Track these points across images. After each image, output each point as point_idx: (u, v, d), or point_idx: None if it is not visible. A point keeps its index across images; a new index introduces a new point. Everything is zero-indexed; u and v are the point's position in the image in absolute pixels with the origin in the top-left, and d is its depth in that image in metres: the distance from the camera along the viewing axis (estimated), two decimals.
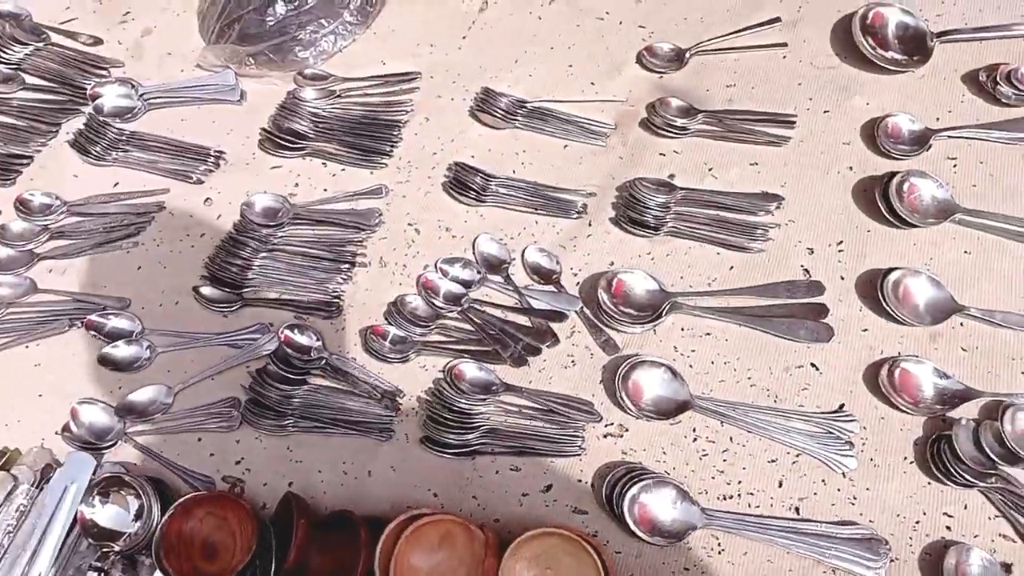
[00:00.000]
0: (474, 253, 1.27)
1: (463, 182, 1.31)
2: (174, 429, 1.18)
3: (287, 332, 1.22)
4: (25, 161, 1.47)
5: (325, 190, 1.37)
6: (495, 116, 1.37)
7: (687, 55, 1.39)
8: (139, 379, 1.23)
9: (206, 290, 1.28)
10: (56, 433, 1.20)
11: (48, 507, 1.09)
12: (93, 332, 1.26)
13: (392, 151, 1.38)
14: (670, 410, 1.10)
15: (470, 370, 1.15)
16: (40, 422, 1.21)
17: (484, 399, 1.13)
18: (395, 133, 1.40)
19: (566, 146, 1.36)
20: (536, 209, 1.29)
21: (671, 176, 1.29)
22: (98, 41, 1.61)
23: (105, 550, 1.08)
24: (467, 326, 1.21)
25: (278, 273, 1.29)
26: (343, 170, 1.39)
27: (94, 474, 1.11)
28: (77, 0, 1.66)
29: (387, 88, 1.45)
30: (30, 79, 1.57)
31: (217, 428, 1.18)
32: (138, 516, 1.08)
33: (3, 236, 1.37)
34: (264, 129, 1.42)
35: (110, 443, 1.17)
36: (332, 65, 1.49)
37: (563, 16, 1.47)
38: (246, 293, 1.28)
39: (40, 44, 1.60)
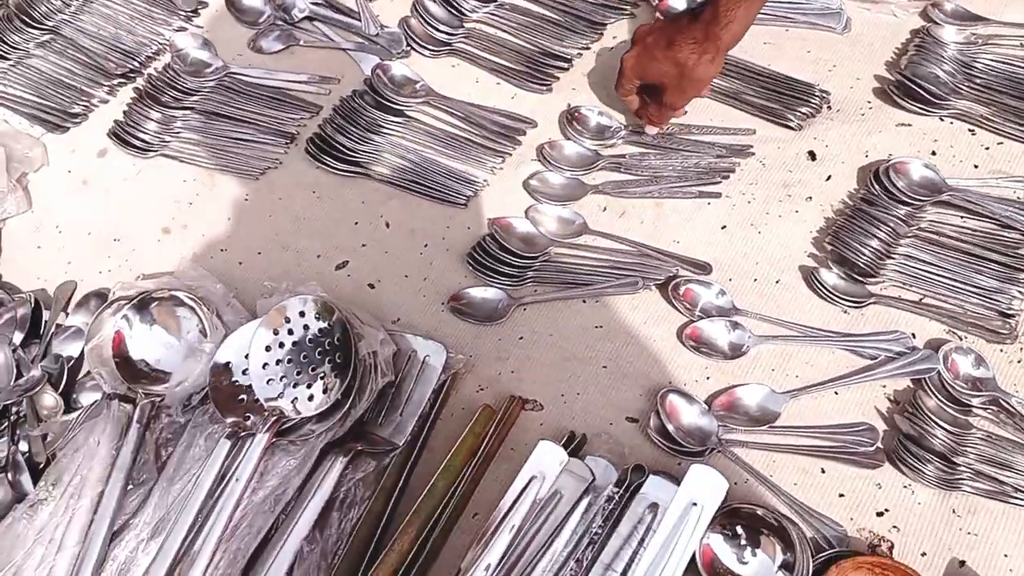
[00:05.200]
0: None
1: None
2: (786, 448, 0.94)
3: (955, 356, 0.94)
4: (565, 65, 1.25)
5: (975, 166, 1.08)
6: None
7: None
8: (737, 373, 1.00)
9: (827, 275, 1.02)
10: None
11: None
12: (687, 302, 1.03)
13: None
14: None
15: None
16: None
17: None
18: None
19: None
20: None
21: None
22: None
23: None
24: None
25: (924, 268, 1.01)
26: (1000, 143, 1.09)
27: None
28: None
29: None
30: None
31: (849, 461, 0.92)
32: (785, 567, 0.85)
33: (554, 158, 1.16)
34: (900, 72, 1.13)
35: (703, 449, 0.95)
36: (977, 3, 1.17)
37: None
38: (876, 286, 1.01)
39: None
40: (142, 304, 1.04)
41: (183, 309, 1.05)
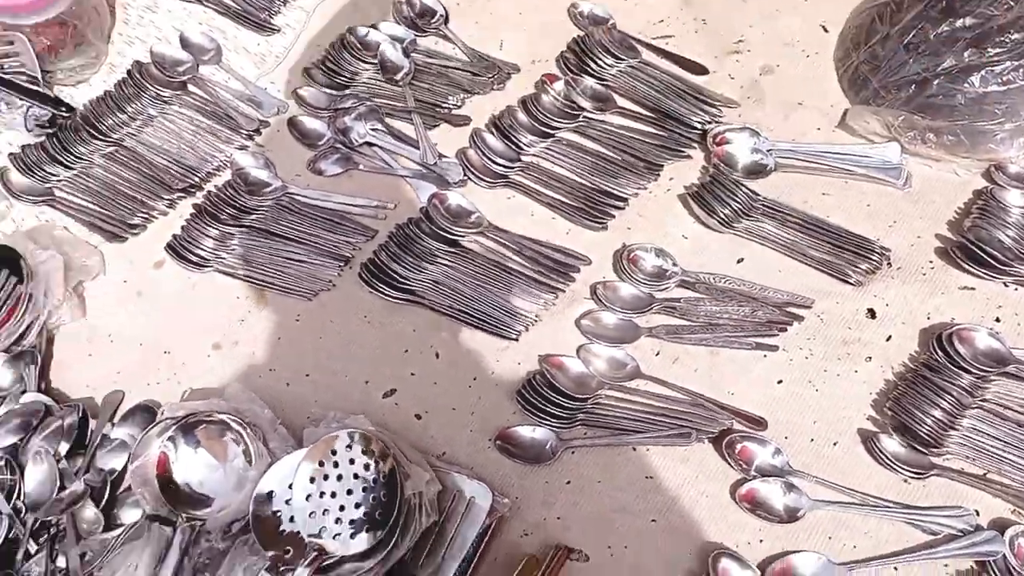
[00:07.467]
0: None
1: None
2: None
3: (1021, 541, 0.92)
4: (620, 204, 1.26)
5: None
6: None
7: None
8: (791, 538, 0.97)
9: (888, 442, 1.01)
10: None
11: None
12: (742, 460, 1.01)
13: None
14: None
15: None
16: None
17: None
18: None
19: None
20: None
21: None
22: (702, 70, 1.38)
23: None
24: None
25: (988, 442, 1.00)
26: None
27: None
28: (675, 13, 1.43)
29: None
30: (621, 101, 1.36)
31: None
32: None
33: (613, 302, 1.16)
34: (963, 234, 1.13)
35: None
36: None
37: None
38: (938, 457, 0.99)
39: (633, 61, 1.39)
40: (188, 427, 1.04)
41: (230, 433, 1.04)
